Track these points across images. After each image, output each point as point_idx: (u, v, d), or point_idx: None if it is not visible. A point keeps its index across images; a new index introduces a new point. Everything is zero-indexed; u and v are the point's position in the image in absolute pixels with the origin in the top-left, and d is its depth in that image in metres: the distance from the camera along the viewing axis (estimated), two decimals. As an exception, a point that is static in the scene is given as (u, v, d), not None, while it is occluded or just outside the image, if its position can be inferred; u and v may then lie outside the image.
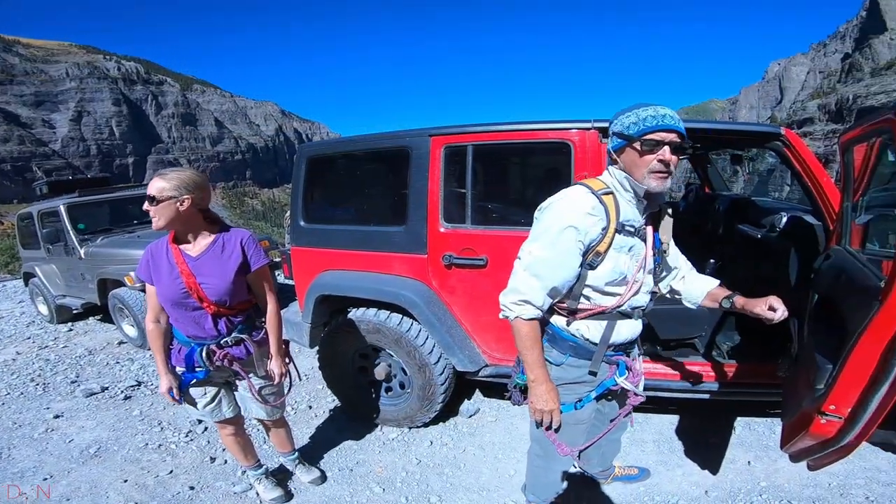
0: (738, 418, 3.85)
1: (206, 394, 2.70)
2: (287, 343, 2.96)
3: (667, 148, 1.64)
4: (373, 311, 3.75)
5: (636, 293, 1.92)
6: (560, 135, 3.10)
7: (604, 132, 2.90)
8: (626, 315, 1.94)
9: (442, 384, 3.69)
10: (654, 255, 1.92)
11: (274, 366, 2.67)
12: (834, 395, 1.95)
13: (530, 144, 3.30)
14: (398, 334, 3.63)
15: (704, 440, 3.61)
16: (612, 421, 2.21)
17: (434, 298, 3.58)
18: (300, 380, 4.59)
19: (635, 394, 2.05)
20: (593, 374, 1.97)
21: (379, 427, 4.07)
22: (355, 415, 4.19)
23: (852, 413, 1.91)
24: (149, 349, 5.38)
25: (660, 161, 1.65)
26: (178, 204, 2.27)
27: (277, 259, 7.34)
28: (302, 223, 4.11)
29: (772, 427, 3.72)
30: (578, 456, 2.13)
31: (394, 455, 3.73)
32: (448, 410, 4.13)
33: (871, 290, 2.01)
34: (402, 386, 3.98)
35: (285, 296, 7.73)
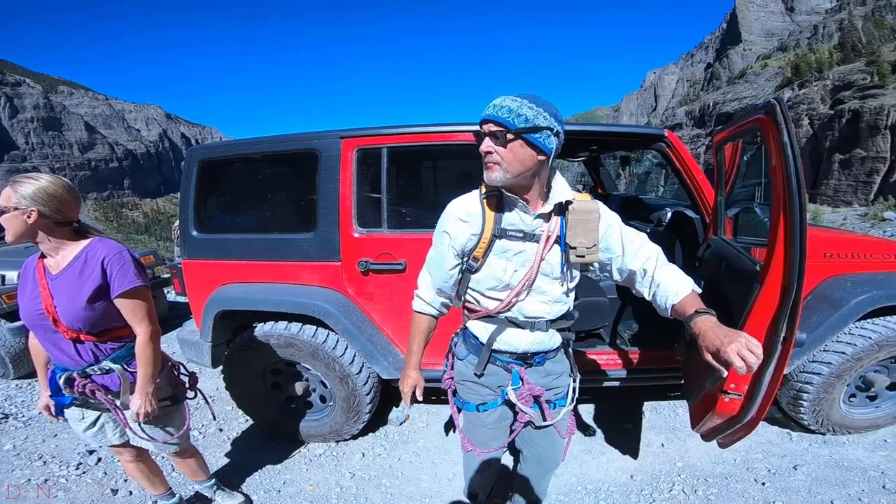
0: (645, 403, 4.20)
1: (83, 418, 2.39)
2: (194, 377, 2.66)
3: (486, 139, 1.58)
4: (282, 324, 3.49)
5: (523, 300, 1.80)
6: (474, 137, 3.13)
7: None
8: (515, 323, 1.84)
9: (367, 394, 3.55)
10: (562, 260, 1.76)
11: (134, 402, 2.27)
12: (732, 374, 2.17)
13: (447, 146, 3.30)
14: (314, 347, 3.41)
15: (620, 426, 3.87)
16: (513, 432, 2.11)
17: (351, 306, 3.42)
18: (214, 419, 4.21)
19: (522, 411, 1.96)
20: (479, 375, 1.95)
21: (303, 444, 3.83)
22: (274, 434, 3.89)
23: (750, 390, 2.14)
24: (12, 378, 5.36)
25: (483, 152, 1.61)
26: (25, 217, 1.96)
27: (166, 275, 6.61)
28: (194, 233, 3.69)
29: (675, 409, 4.11)
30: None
31: (324, 471, 3.52)
32: (376, 420, 4.00)
33: (750, 273, 2.29)
34: (322, 399, 3.77)
35: (181, 313, 6.98)
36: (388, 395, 4.01)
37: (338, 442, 3.82)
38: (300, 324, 3.46)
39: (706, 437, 2.58)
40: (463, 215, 1.75)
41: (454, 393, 2.09)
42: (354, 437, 3.85)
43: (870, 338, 3.12)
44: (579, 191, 1.84)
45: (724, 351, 1.29)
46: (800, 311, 1.96)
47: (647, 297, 1.79)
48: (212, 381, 4.99)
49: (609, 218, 1.80)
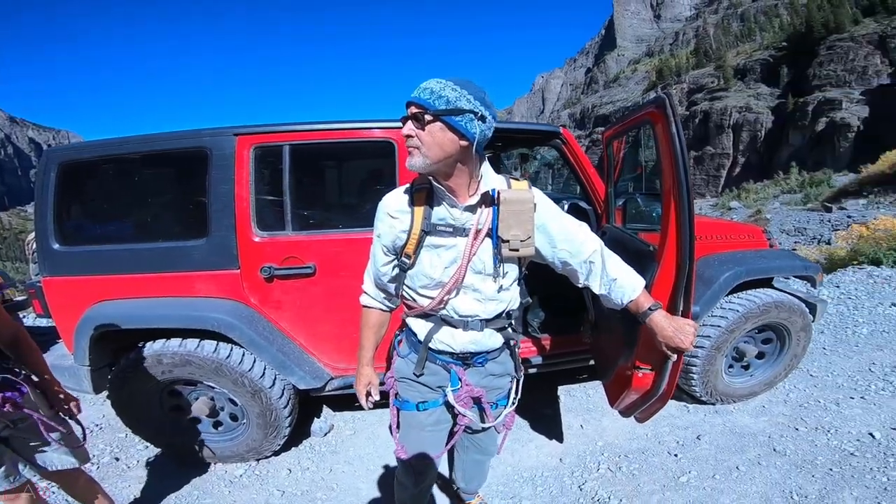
0: (560, 387, 4.44)
1: None
2: (73, 401, 2.29)
3: (408, 122, 1.51)
4: (176, 341, 3.14)
5: (455, 298, 1.73)
6: (384, 134, 3.07)
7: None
8: (449, 322, 1.78)
9: (284, 407, 3.32)
10: (494, 255, 1.67)
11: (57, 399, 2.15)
12: (640, 350, 2.36)
13: (354, 144, 3.18)
14: (216, 363, 3.11)
15: (540, 413, 4.05)
16: (453, 435, 2.05)
17: (255, 317, 3.18)
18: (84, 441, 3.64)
19: (461, 413, 1.90)
20: (419, 374, 1.89)
21: (219, 466, 3.49)
22: (183, 459, 3.51)
23: (659, 364, 2.33)
24: None
25: (403, 135, 1.53)
26: None
27: (20, 297, 5.64)
28: (56, 246, 3.17)
29: (586, 391, 4.39)
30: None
31: (249, 492, 3.24)
32: (298, 433, 3.76)
33: (647, 255, 2.52)
34: (234, 418, 3.46)
35: (47, 338, 5.98)
36: (308, 406, 3.81)
37: (258, 460, 3.54)
38: (197, 339, 3.14)
39: (625, 413, 2.78)
40: (391, 211, 1.69)
41: (396, 395, 2.00)
42: (276, 454, 3.60)
43: (737, 310, 3.61)
44: (517, 179, 1.75)
45: (677, 340, 1.66)
46: (693, 287, 2.18)
47: (600, 291, 1.78)
48: (97, 407, 4.39)
49: (546, 207, 1.72)
